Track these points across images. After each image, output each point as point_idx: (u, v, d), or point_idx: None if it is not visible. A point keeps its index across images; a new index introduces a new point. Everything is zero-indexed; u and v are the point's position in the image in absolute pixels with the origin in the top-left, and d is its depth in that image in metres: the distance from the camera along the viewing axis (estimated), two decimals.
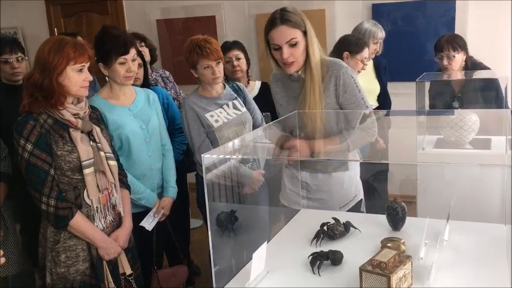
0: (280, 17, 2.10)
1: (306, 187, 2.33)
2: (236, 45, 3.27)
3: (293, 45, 2.10)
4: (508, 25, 4.19)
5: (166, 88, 3.63)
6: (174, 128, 3.09)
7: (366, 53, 3.36)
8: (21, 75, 2.96)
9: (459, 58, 3.27)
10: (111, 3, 5.70)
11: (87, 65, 2.07)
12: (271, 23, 2.12)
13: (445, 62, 3.29)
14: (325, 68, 2.17)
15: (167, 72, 3.88)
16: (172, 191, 2.68)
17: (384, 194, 3.39)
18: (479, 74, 3.31)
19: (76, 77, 2.02)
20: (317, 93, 2.14)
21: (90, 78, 2.07)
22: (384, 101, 3.82)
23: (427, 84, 3.37)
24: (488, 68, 3.34)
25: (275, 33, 2.11)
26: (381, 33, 3.74)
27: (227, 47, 3.20)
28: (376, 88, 3.77)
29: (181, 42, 5.14)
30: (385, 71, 3.89)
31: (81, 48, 2.03)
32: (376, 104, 3.74)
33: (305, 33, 2.13)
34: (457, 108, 3.25)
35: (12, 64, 2.92)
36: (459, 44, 3.28)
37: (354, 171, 2.35)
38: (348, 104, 2.18)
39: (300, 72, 2.20)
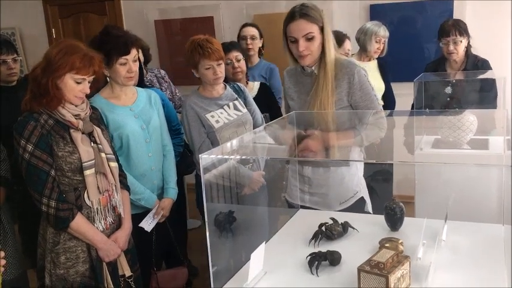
0: (299, 11, 2.18)
1: (308, 182, 2.36)
2: (234, 46, 3.27)
3: (309, 39, 2.18)
4: (505, 25, 4.19)
5: (161, 88, 3.62)
6: (170, 129, 3.08)
7: (347, 45, 3.65)
8: (16, 76, 2.95)
9: (464, 43, 3.28)
10: (109, 4, 5.70)
11: (89, 78, 2.05)
12: (290, 16, 2.20)
13: (451, 47, 3.27)
14: (339, 66, 2.24)
15: (162, 72, 3.84)
16: (172, 192, 2.67)
17: (387, 194, 3.39)
18: (478, 75, 3.32)
19: (73, 86, 2.01)
20: (329, 89, 2.21)
21: (87, 91, 2.06)
22: (389, 100, 3.83)
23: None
24: (490, 68, 3.35)
25: (293, 26, 2.18)
26: (384, 32, 3.77)
27: (226, 48, 3.20)
28: (382, 87, 3.79)
29: (179, 43, 5.16)
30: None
31: (88, 62, 2.01)
32: (381, 103, 3.75)
33: (322, 29, 2.20)
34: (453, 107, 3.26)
35: (9, 65, 2.90)
36: (464, 28, 3.29)
37: (355, 168, 2.37)
38: (363, 101, 2.25)
39: (313, 68, 2.26)
